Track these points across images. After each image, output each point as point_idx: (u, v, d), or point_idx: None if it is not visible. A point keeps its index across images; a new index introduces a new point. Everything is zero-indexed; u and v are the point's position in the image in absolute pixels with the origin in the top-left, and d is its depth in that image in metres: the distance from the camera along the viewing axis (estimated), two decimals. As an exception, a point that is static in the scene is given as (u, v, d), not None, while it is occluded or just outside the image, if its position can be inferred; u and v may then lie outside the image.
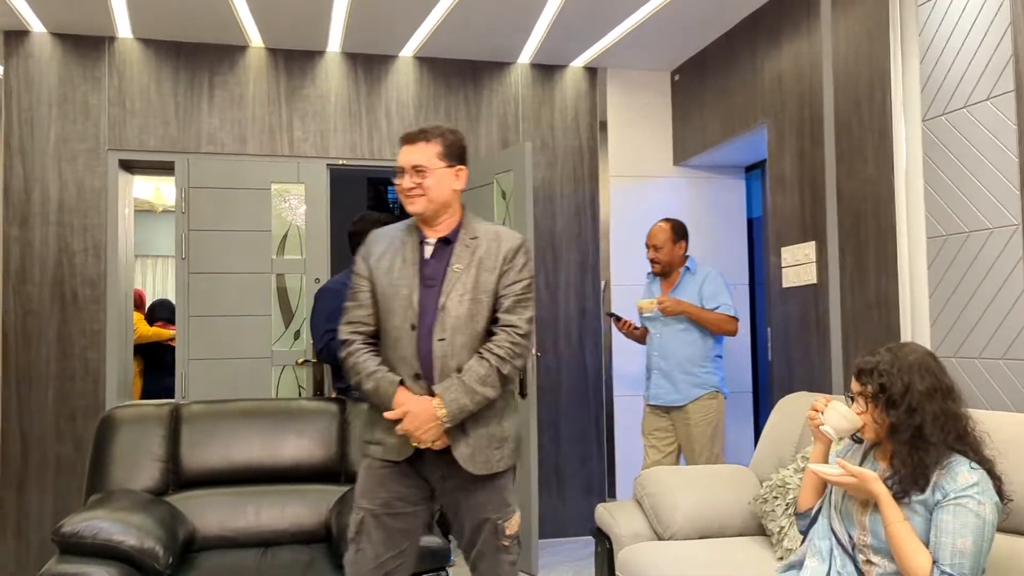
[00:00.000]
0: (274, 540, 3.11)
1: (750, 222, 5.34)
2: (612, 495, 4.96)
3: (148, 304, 6.36)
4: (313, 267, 4.71)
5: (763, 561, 2.84)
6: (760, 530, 3.11)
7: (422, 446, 2.31)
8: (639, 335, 4.26)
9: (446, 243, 2.42)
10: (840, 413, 2.13)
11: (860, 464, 2.18)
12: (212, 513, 3.14)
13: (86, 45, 4.52)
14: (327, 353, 3.62)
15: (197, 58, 4.64)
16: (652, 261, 4.14)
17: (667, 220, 4.16)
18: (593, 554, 3.47)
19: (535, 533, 4.30)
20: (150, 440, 3.24)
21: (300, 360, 4.59)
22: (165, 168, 4.67)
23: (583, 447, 5.01)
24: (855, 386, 2.15)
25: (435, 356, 2.31)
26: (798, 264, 3.93)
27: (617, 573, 3.10)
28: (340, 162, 4.81)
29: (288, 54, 4.76)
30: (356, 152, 4.81)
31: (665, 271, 4.12)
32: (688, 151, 5.07)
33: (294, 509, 3.19)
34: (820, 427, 2.18)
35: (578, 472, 5.04)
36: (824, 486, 2.26)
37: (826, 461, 2.26)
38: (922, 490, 1.97)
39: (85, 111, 4.50)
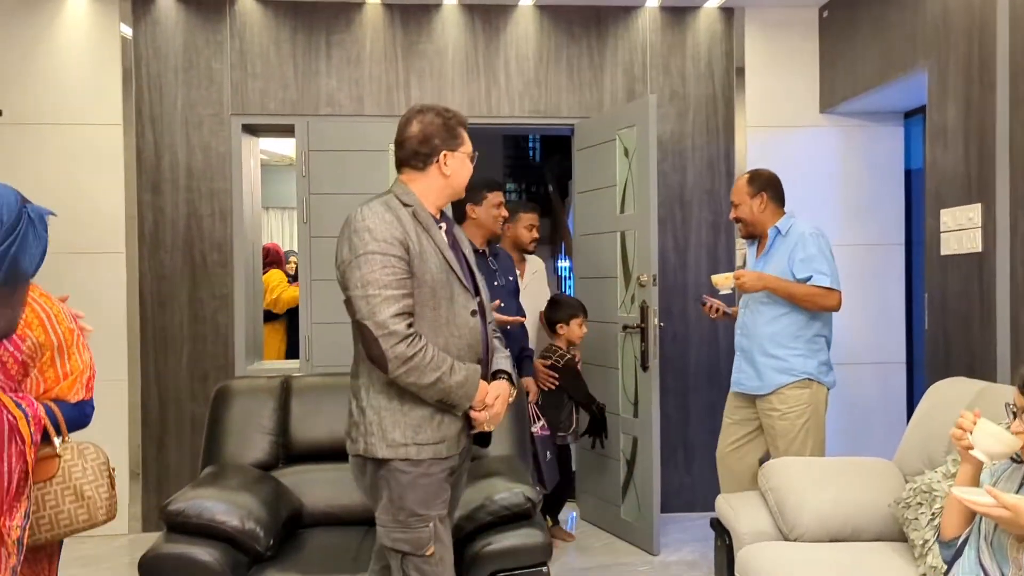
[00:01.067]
0: (366, 519, 3.03)
1: (908, 174, 4.78)
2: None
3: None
4: (431, 230, 4.61)
5: (902, 573, 2.52)
6: (901, 536, 2.77)
7: (491, 429, 2.31)
8: (735, 316, 3.71)
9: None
10: (992, 434, 1.79)
11: (1019, 489, 1.83)
12: (319, 489, 3.13)
13: (208, 9, 4.53)
14: None
15: (314, 17, 4.57)
16: (734, 220, 3.62)
17: (749, 171, 3.64)
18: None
19: (657, 508, 4.10)
20: (261, 413, 3.25)
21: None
22: (286, 130, 4.67)
23: (713, 421, 4.69)
24: (1018, 398, 1.80)
25: (489, 339, 2.34)
26: (961, 229, 3.44)
27: (736, 574, 2.86)
28: (458, 120, 4.64)
29: (404, 8, 4.60)
30: (474, 110, 4.63)
31: (751, 232, 3.56)
32: (837, 96, 4.57)
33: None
34: (968, 449, 1.85)
35: (708, 445, 4.75)
36: (973, 513, 1.93)
37: (976, 483, 1.93)
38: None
39: (209, 76, 4.54)
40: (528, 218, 4.27)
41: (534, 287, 4.40)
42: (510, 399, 2.35)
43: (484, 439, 2.37)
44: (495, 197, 3.81)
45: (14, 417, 1.97)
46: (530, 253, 4.41)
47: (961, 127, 3.45)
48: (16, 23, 4.41)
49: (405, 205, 2.23)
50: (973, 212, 3.35)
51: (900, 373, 4.76)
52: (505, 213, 3.85)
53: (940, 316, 3.62)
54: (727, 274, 3.51)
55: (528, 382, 3.95)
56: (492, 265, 3.77)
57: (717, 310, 3.72)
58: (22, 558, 2.11)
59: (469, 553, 2.65)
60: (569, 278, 7.17)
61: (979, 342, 3.33)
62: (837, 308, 3.40)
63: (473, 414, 2.24)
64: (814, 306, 3.37)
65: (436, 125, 2.26)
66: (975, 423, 1.85)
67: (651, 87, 4.72)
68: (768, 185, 3.52)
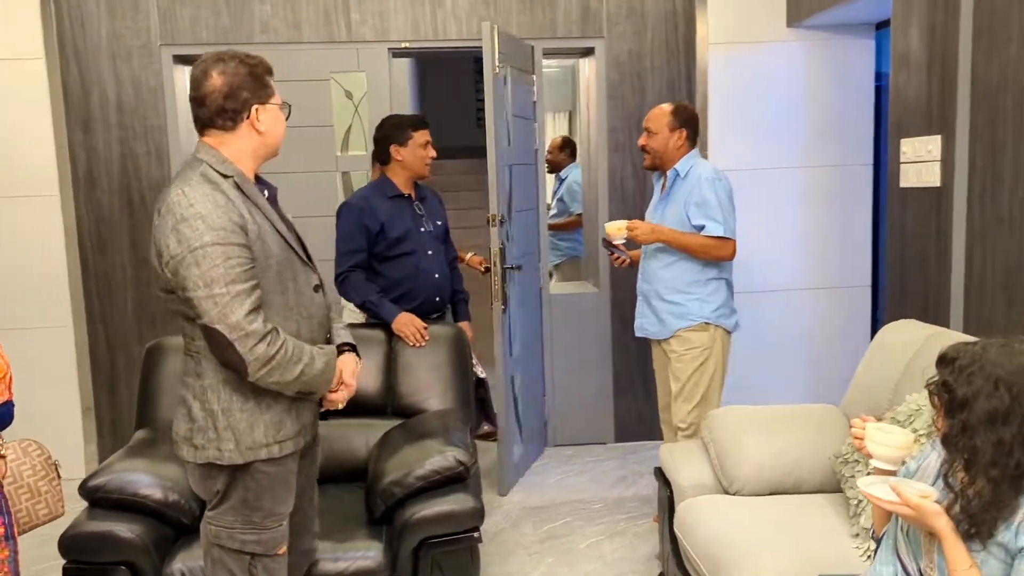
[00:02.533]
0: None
1: (879, 91, 4.56)
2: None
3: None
4: (378, 163, 4.41)
5: (837, 533, 2.48)
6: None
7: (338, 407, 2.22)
8: (638, 260, 3.56)
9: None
10: (882, 442, 1.70)
11: (936, 480, 1.75)
12: (254, 450, 3.06)
13: (128, -71, 4.20)
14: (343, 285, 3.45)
15: (244, -65, 4.25)
16: (642, 149, 3.44)
17: (672, 103, 3.46)
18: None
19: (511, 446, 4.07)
20: (193, 372, 3.15)
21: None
22: (222, 60, 4.41)
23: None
24: (933, 393, 1.70)
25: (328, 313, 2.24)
26: (920, 161, 3.27)
27: (674, 529, 2.83)
28: (403, 45, 4.38)
29: (340, -77, 4.28)
30: (419, 33, 4.37)
31: (656, 164, 3.41)
32: (804, 8, 4.30)
33: (335, 445, 3.05)
34: (870, 458, 1.77)
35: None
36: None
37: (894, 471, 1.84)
38: (989, 533, 1.55)
39: (134, 5, 4.25)
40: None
41: None
42: (359, 370, 2.22)
43: (334, 412, 2.28)
44: (421, 136, 3.44)
45: None
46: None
47: (925, 53, 3.23)
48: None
49: (224, 176, 1.96)
50: (932, 144, 3.18)
51: (865, 297, 4.67)
52: (433, 153, 3.49)
53: (899, 250, 3.49)
54: (620, 223, 3.38)
55: (465, 326, 3.80)
56: (419, 211, 3.49)
57: (622, 262, 3.55)
58: (16, 548, 2.10)
59: (399, 520, 2.60)
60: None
61: (935, 283, 3.22)
62: (732, 257, 3.33)
63: (331, 396, 2.13)
64: (708, 256, 3.30)
65: (242, 75, 1.99)
66: (868, 427, 1.76)
67: (607, 3, 4.43)
68: (690, 122, 3.38)
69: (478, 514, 2.62)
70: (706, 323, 3.35)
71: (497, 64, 3.83)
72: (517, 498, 4.06)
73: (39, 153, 4.24)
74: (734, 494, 2.80)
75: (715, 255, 3.29)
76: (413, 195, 3.51)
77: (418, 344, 3.22)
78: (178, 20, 4.27)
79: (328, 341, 2.17)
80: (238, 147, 2.02)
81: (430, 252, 3.48)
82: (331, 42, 4.34)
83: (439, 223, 3.58)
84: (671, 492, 2.97)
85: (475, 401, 3.79)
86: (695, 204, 3.26)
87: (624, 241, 3.40)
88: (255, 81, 2.02)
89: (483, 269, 3.96)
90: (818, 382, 4.49)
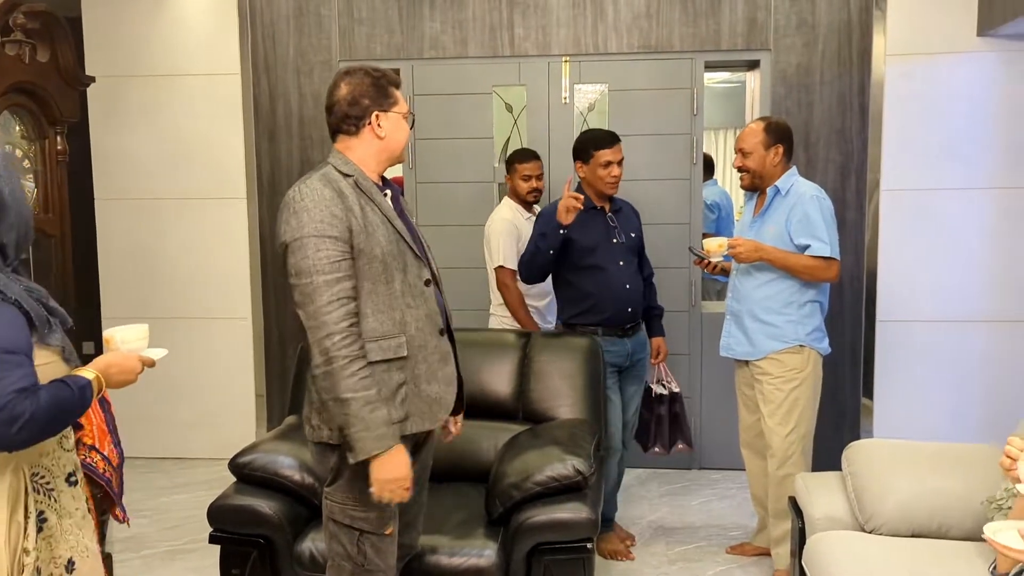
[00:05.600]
0: (444, 475, 3.07)
1: (1086, 106, 4.11)
2: (867, 434, 4.33)
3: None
4: (534, 175, 4.50)
5: (985, 585, 2.26)
6: (995, 539, 2.48)
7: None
8: (728, 271, 3.43)
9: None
10: None
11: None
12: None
13: (317, -45, 4.56)
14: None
15: (419, -43, 4.49)
16: (738, 170, 3.29)
17: (764, 119, 3.31)
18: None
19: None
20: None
21: (520, 272, 4.49)
22: (394, 75, 4.67)
23: (833, 375, 4.37)
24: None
25: (447, 309, 2.35)
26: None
27: (803, 563, 2.68)
28: (564, 58, 4.45)
29: (509, -58, 4.42)
30: (580, 47, 4.42)
31: (755, 185, 3.27)
32: (999, 15, 3.95)
33: (465, 445, 3.13)
34: (1017, 482, 1.60)
35: (827, 401, 4.45)
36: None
37: (1032, 516, 1.66)
38: None
39: (318, 23, 4.59)
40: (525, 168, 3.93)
41: None
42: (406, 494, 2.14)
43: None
44: (603, 155, 3.40)
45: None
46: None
47: None
48: (144, -21, 4.63)
49: (345, 176, 2.12)
50: None
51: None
52: (617, 172, 3.45)
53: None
54: (721, 240, 3.26)
55: (659, 342, 3.72)
56: (612, 222, 3.48)
57: (715, 266, 3.37)
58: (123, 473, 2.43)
59: (513, 523, 2.64)
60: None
61: None
62: (835, 279, 3.19)
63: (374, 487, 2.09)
64: (812, 278, 3.16)
65: (365, 85, 2.15)
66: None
67: (774, 13, 4.29)
68: (785, 137, 3.23)
69: (591, 525, 2.60)
70: (801, 345, 3.21)
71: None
72: (655, 516, 3.99)
73: (231, 160, 4.67)
74: (870, 532, 2.63)
75: (820, 276, 3.15)
76: (607, 207, 3.50)
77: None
78: (356, 37, 4.57)
79: (441, 334, 2.24)
80: (362, 151, 2.18)
81: (621, 263, 3.47)
82: (495, 56, 4.48)
83: (632, 235, 3.55)
84: (803, 523, 2.82)
85: (668, 417, 3.78)
86: (797, 221, 3.13)
87: (722, 259, 3.32)
88: (377, 90, 2.17)
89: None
90: (990, 421, 4.09)
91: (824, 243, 3.10)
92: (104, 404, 2.45)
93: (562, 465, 2.68)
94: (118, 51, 4.65)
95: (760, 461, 3.40)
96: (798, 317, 3.21)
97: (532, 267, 3.48)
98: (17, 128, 3.12)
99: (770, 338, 3.23)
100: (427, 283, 2.22)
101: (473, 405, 3.12)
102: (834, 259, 3.13)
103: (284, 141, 4.68)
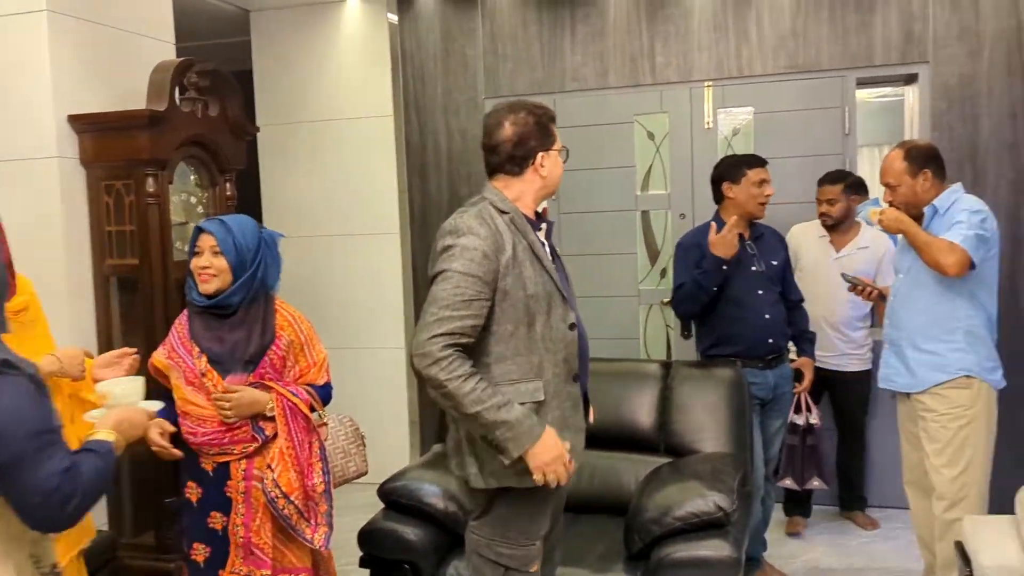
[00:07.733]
0: (582, 507, 3.07)
1: None
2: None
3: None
4: (678, 202, 4.45)
5: None
6: None
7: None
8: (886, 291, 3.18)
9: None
10: None
11: None
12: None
13: (463, -1, 4.75)
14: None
15: (559, -6, 4.58)
16: (890, 205, 2.99)
17: (902, 145, 2.99)
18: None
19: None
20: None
21: (665, 300, 4.44)
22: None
23: (1010, 412, 4.02)
24: None
25: (586, 354, 2.31)
26: None
27: (969, 613, 2.48)
28: (706, 84, 4.39)
29: (648, -28, 4.43)
30: (722, 71, 4.34)
31: (913, 214, 2.95)
32: None
33: (605, 477, 3.13)
34: None
35: (1003, 440, 4.10)
36: None
37: None
38: None
39: (464, 62, 4.77)
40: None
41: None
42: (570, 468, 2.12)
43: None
44: (756, 174, 3.31)
45: (293, 403, 2.44)
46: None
47: None
48: (307, 34, 4.95)
49: (502, 212, 2.11)
50: None
51: None
52: (770, 192, 3.33)
53: None
54: (876, 208, 3.01)
55: (805, 362, 3.54)
56: (750, 250, 3.35)
57: (869, 292, 3.19)
58: (333, 504, 2.57)
59: (654, 559, 2.60)
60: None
61: None
62: (954, 271, 2.79)
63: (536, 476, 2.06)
64: (929, 256, 2.82)
65: (530, 125, 2.11)
66: None
67: (934, 24, 4.06)
68: (930, 159, 2.94)
69: (734, 564, 2.53)
70: (968, 376, 2.91)
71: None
72: (809, 556, 3.80)
73: (386, 197, 4.90)
74: (1048, 584, 2.39)
75: (936, 257, 2.80)
76: (747, 234, 3.37)
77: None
78: (499, 75, 4.71)
79: (574, 380, 2.20)
80: (521, 189, 2.17)
81: (760, 292, 3.33)
82: (636, 85, 4.48)
83: (774, 263, 3.41)
84: (970, 571, 2.61)
85: (802, 448, 3.65)
86: (946, 229, 2.86)
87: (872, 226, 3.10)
88: (541, 130, 2.15)
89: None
90: None
91: (965, 234, 2.80)
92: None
93: (703, 501, 2.62)
94: (285, 99, 5.00)
95: (926, 502, 3.17)
96: (964, 344, 2.93)
97: (693, 302, 3.34)
98: (192, 178, 3.41)
99: (932, 369, 2.97)
100: (571, 327, 2.18)
101: (613, 436, 3.15)
102: (961, 248, 2.79)
103: (434, 177, 4.87)
